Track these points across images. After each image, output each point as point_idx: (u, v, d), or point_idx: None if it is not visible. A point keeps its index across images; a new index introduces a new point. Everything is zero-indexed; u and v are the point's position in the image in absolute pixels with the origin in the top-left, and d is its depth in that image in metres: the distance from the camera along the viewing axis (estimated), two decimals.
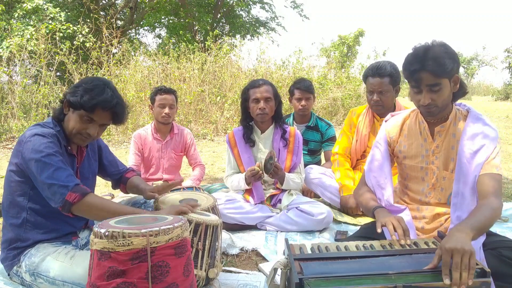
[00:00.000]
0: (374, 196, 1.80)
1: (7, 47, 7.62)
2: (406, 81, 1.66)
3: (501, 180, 1.57)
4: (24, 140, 1.60)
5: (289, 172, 2.62)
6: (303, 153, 3.28)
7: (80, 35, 8.65)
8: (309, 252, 1.43)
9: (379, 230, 1.54)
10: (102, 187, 3.77)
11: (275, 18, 16.87)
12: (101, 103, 1.63)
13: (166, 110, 3.07)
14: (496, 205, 1.45)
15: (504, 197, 3.22)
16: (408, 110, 1.88)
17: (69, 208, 1.54)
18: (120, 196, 2.99)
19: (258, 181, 2.54)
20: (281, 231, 2.50)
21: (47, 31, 7.96)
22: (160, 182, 3.18)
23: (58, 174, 1.55)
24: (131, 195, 2.21)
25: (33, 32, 7.98)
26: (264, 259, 2.12)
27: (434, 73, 1.52)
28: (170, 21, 15.91)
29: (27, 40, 7.77)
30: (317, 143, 3.37)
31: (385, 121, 1.92)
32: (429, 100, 1.58)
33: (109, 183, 2.14)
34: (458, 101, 1.74)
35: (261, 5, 16.40)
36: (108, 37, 8.70)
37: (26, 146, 1.59)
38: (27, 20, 9.02)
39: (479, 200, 1.53)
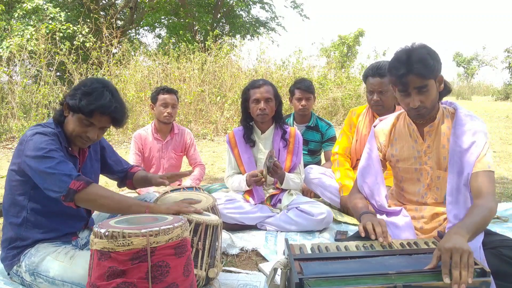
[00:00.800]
0: (364, 202, 1.81)
1: (7, 47, 7.62)
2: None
3: (494, 177, 1.57)
4: (26, 140, 1.60)
5: (289, 172, 2.62)
6: (303, 153, 3.28)
7: (80, 35, 8.65)
8: (309, 252, 1.43)
9: (362, 235, 1.55)
10: None
11: (275, 18, 16.89)
12: (99, 109, 1.61)
13: (169, 109, 3.08)
14: (491, 204, 1.46)
15: (504, 197, 3.22)
16: (396, 113, 1.89)
17: (72, 196, 1.52)
18: None
19: (260, 186, 2.54)
20: (281, 231, 2.50)
21: (47, 31, 7.96)
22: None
23: (61, 166, 1.54)
24: (132, 195, 2.21)
25: (33, 32, 7.98)
26: (264, 259, 2.12)
27: (421, 75, 1.54)
28: (170, 21, 15.92)
29: (27, 40, 7.76)
30: (317, 143, 3.37)
31: (374, 126, 1.93)
32: (419, 102, 1.59)
33: (109, 183, 2.15)
34: (444, 99, 1.76)
35: (261, 5, 16.41)
36: (108, 37, 8.70)
37: (27, 145, 1.58)
38: (27, 20, 9.01)
39: (473, 199, 1.54)
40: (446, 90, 1.68)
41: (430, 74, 1.55)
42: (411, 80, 1.56)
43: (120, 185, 2.11)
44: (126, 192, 3.07)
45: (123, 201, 1.58)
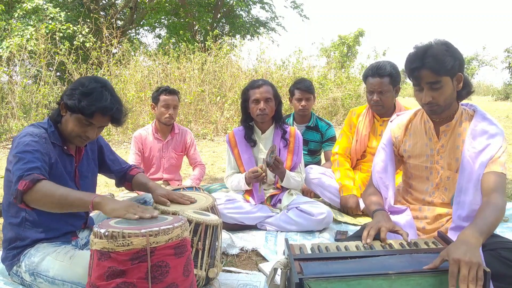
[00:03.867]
0: (378, 199, 1.79)
1: (7, 47, 7.61)
2: (408, 80, 1.66)
3: (505, 179, 1.55)
4: (16, 141, 1.60)
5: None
6: (303, 153, 3.28)
7: (80, 35, 8.64)
8: (309, 252, 1.43)
9: (363, 241, 1.53)
10: (102, 187, 3.77)
11: (275, 18, 16.88)
12: (100, 110, 1.61)
13: (170, 111, 3.07)
14: (501, 204, 1.45)
15: (504, 196, 3.21)
16: (414, 109, 1.87)
17: (21, 197, 1.45)
18: (120, 196, 2.99)
19: (260, 182, 2.53)
20: (281, 231, 2.50)
21: (47, 31, 7.96)
22: (160, 182, 3.19)
23: (26, 166, 1.49)
24: (132, 195, 2.21)
25: (33, 32, 7.97)
26: (264, 259, 2.12)
27: (433, 71, 1.52)
28: (170, 21, 15.91)
29: (27, 40, 7.76)
30: (317, 143, 3.36)
31: (390, 121, 1.91)
32: (430, 98, 1.57)
33: (109, 183, 2.14)
34: (465, 101, 1.73)
35: (261, 5, 16.41)
36: (108, 37, 8.69)
37: (16, 144, 1.59)
38: (27, 20, 9.01)
39: (482, 198, 1.52)
40: (466, 90, 1.65)
41: (444, 70, 1.52)
42: (423, 75, 1.54)
43: (118, 184, 2.10)
44: (126, 192, 3.07)
45: (63, 199, 1.45)
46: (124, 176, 2.04)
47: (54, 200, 1.45)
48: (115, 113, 1.66)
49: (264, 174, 2.40)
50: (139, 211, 1.39)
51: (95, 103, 1.60)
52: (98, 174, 2.02)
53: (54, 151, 1.68)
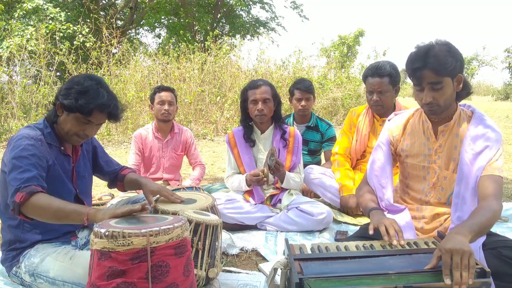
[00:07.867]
0: (373, 197, 1.80)
1: (7, 47, 7.61)
2: (409, 80, 1.67)
3: (502, 182, 1.57)
4: (12, 143, 1.60)
5: (289, 172, 2.61)
6: (303, 154, 3.28)
7: (80, 35, 8.64)
8: (309, 252, 1.43)
9: (371, 232, 1.55)
10: (102, 187, 3.77)
11: (275, 18, 16.90)
12: (98, 107, 1.62)
13: (165, 106, 3.07)
14: (496, 207, 1.46)
15: (504, 197, 3.22)
16: (412, 109, 1.88)
17: (18, 209, 1.46)
18: (120, 196, 2.99)
19: (261, 185, 2.53)
20: (281, 231, 2.50)
21: (47, 31, 7.96)
22: (160, 182, 3.18)
23: (22, 176, 1.49)
24: (131, 195, 2.21)
25: (33, 32, 7.97)
26: (264, 259, 2.12)
27: (435, 71, 1.53)
28: (170, 21, 15.92)
29: (27, 40, 7.76)
30: (317, 143, 3.36)
31: (388, 120, 1.91)
32: (431, 98, 1.58)
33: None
34: (463, 102, 1.74)
35: (261, 5, 16.42)
36: (108, 37, 8.69)
37: (12, 147, 1.58)
38: (27, 20, 9.02)
39: (479, 201, 1.54)
40: (466, 91, 1.66)
41: (445, 71, 1.53)
42: (425, 75, 1.55)
43: (110, 186, 2.09)
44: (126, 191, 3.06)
45: (61, 211, 1.46)
46: (116, 177, 2.03)
47: (50, 213, 1.46)
48: (112, 109, 1.67)
49: (265, 178, 2.40)
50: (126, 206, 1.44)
51: (92, 101, 1.60)
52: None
53: (51, 153, 1.67)
